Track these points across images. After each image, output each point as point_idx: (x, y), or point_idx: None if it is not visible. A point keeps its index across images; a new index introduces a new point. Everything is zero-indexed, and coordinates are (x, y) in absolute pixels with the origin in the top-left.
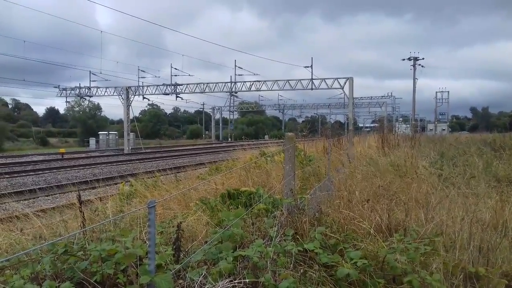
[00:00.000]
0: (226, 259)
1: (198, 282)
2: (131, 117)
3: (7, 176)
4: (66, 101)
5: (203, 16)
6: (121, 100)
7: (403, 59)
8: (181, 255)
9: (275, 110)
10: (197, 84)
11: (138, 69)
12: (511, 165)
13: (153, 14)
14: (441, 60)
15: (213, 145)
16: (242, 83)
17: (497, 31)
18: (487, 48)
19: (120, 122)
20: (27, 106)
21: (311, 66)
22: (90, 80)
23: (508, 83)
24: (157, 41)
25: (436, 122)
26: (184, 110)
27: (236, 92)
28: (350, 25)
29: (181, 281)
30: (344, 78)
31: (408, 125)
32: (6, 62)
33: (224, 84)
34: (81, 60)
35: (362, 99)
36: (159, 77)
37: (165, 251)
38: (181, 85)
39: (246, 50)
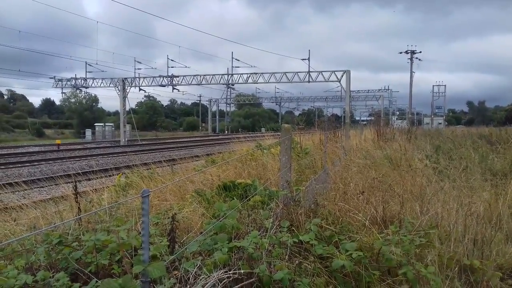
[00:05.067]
0: (221, 250)
1: (193, 273)
2: (127, 108)
3: (2, 167)
4: (62, 92)
5: (191, 5)
6: (117, 91)
7: (400, 52)
8: (176, 246)
9: (272, 102)
10: (194, 76)
11: (135, 60)
12: (506, 158)
13: (141, 3)
14: (435, 53)
15: (210, 138)
16: (239, 75)
17: (491, 24)
18: (481, 41)
19: (116, 113)
20: (22, 97)
21: (308, 59)
22: (86, 71)
23: (504, 77)
24: (147, 31)
25: (432, 116)
26: (181, 102)
27: (233, 84)
28: (343, 17)
29: (176, 272)
30: (341, 71)
31: (403, 120)
32: (0, 52)
33: (221, 76)
34: (73, 50)
35: (359, 92)
36: (155, 68)
37: (160, 242)
38: (178, 77)
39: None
